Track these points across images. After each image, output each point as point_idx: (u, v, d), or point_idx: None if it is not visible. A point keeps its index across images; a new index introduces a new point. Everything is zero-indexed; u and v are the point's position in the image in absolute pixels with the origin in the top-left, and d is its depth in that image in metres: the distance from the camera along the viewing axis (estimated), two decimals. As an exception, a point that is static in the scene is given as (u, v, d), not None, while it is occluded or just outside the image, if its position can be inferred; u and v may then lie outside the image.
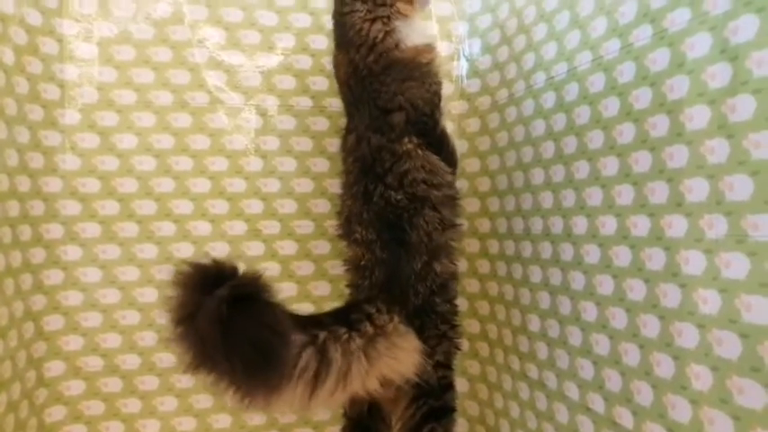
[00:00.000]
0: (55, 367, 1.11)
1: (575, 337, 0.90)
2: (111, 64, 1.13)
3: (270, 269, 1.19)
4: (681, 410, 0.69)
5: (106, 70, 1.13)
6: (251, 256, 1.19)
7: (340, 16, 0.99)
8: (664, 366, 0.72)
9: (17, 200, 1.01)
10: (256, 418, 1.18)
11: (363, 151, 0.94)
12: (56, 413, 1.11)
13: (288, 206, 1.21)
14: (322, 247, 1.22)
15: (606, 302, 0.84)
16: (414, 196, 0.92)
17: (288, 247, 1.21)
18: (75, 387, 1.13)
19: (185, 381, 1.16)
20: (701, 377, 0.67)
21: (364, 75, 0.96)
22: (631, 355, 0.78)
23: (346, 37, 0.97)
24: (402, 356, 0.85)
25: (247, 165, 1.19)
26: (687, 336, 0.69)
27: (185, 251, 1.16)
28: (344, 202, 0.99)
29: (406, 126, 0.94)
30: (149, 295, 1.15)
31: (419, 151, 0.94)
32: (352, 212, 0.96)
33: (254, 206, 1.19)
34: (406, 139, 0.94)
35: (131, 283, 1.14)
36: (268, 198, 1.20)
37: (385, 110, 0.94)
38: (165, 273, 1.15)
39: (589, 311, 0.87)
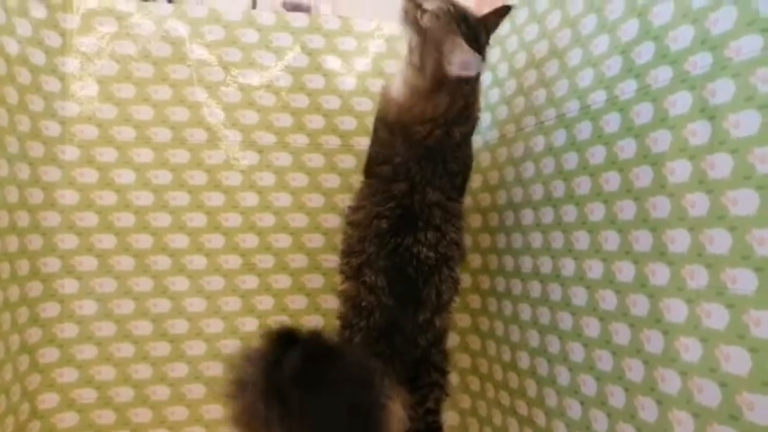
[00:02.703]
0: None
1: (563, 376, 0.93)
2: (111, 101, 1.16)
3: (264, 302, 1.22)
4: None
5: (106, 107, 1.16)
6: (246, 289, 1.21)
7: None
8: (648, 411, 0.75)
9: (16, 235, 1.03)
10: None
11: (414, 202, 0.95)
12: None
13: (282, 240, 1.23)
14: (315, 281, 1.24)
15: (593, 344, 0.86)
16: (443, 256, 0.95)
17: (282, 281, 1.23)
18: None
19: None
20: (683, 423, 0.69)
21: (453, 141, 0.97)
22: (617, 398, 0.80)
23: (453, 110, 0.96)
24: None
25: (243, 200, 1.21)
26: (670, 382, 0.72)
27: (180, 285, 1.18)
28: (359, 242, 0.97)
29: (462, 186, 1.01)
30: (144, 328, 1.16)
31: (462, 212, 0.99)
32: (367, 254, 0.95)
33: (249, 240, 1.22)
34: (460, 200, 1.00)
35: (127, 317, 1.15)
36: (263, 232, 1.22)
37: (453, 172, 0.98)
38: (160, 306, 1.17)
39: (576, 352, 0.90)
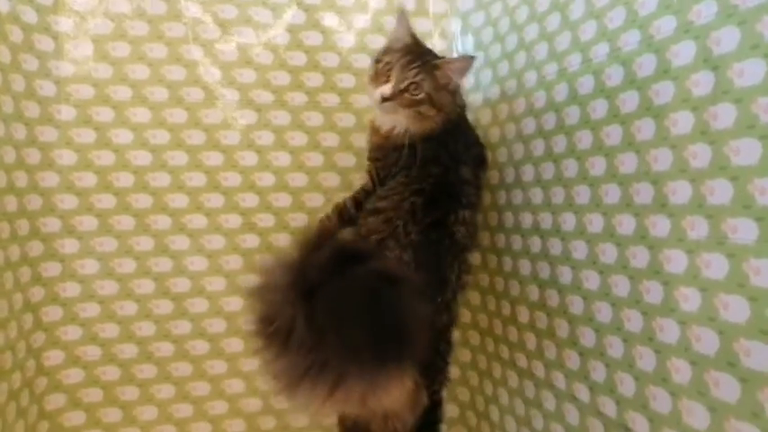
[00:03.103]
0: (54, 356, 1.13)
1: (562, 329, 0.94)
2: (106, 60, 1.14)
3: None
4: (661, 401, 0.73)
5: (101, 67, 1.14)
6: (246, 248, 1.21)
7: None
8: (646, 359, 0.76)
9: (15, 195, 1.03)
10: (252, 404, 1.22)
11: (451, 179, 0.96)
12: (55, 401, 1.14)
13: (282, 199, 1.23)
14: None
15: (592, 297, 0.87)
16: (470, 237, 0.97)
17: (282, 240, 1.23)
18: (74, 375, 1.15)
19: (182, 369, 1.19)
20: (680, 371, 0.70)
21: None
22: (615, 348, 0.82)
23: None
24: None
25: (242, 159, 1.21)
26: (668, 331, 0.73)
27: (181, 244, 1.18)
28: (384, 223, 0.95)
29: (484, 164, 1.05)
30: (146, 287, 1.17)
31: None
32: (396, 230, 0.93)
33: (249, 199, 1.21)
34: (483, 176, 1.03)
35: (128, 276, 1.16)
36: (263, 192, 1.22)
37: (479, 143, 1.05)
38: (161, 265, 1.17)
39: (576, 305, 0.91)
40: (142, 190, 1.16)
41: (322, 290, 0.74)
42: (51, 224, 1.12)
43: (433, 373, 0.94)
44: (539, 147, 1.00)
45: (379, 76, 0.97)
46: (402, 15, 1.01)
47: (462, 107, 1.04)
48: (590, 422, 0.87)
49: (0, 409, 0.94)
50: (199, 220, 1.19)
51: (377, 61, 0.99)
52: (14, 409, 1.00)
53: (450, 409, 1.30)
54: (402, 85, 0.94)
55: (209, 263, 1.19)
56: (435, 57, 0.99)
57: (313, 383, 0.74)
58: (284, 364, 0.76)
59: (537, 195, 1.01)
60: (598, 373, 0.85)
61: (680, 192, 0.72)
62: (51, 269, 1.12)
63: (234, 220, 1.21)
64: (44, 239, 1.11)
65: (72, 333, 1.15)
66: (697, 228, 0.70)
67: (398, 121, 0.98)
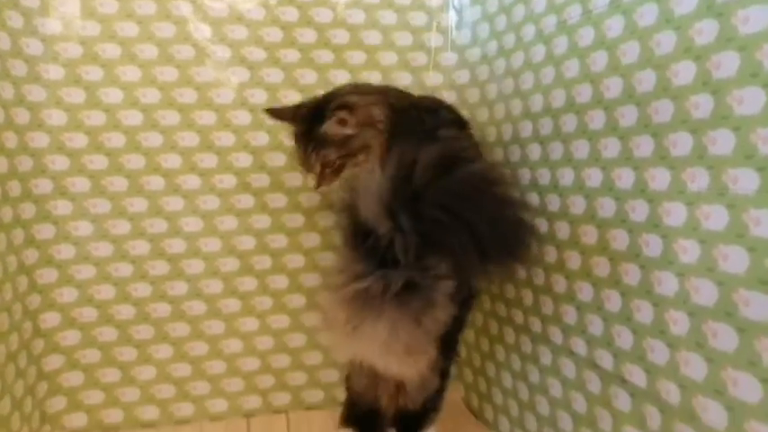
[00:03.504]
0: (50, 318, 1.13)
1: (559, 285, 0.94)
2: (93, 18, 1.11)
3: (260, 221, 1.21)
4: (659, 353, 0.73)
5: (89, 24, 1.11)
6: (241, 208, 1.20)
7: None
8: (643, 312, 0.76)
9: (5, 156, 1.01)
10: (250, 363, 1.23)
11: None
12: (53, 362, 1.14)
13: (277, 159, 1.21)
14: (312, 199, 1.24)
15: (590, 251, 0.87)
16: None
17: (278, 200, 1.23)
18: (71, 337, 1.15)
19: (180, 329, 1.19)
20: (678, 322, 0.71)
21: None
22: (613, 302, 0.82)
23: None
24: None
25: (235, 118, 1.19)
26: (666, 283, 0.73)
27: (175, 204, 1.17)
28: None
29: None
30: (141, 248, 1.16)
31: None
32: None
33: (243, 159, 1.20)
34: None
35: (123, 237, 1.15)
36: (257, 151, 1.20)
37: None
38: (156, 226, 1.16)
39: (573, 260, 0.91)
40: (134, 150, 1.14)
41: (430, 190, 0.74)
42: (43, 185, 1.10)
43: (448, 347, 0.94)
44: (537, 102, 0.99)
45: (307, 172, 1.02)
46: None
47: (402, 99, 1.01)
48: (586, 375, 0.87)
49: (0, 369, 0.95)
50: (193, 181, 1.17)
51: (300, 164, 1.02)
52: (13, 370, 1.00)
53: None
54: (318, 169, 0.97)
55: (203, 223, 1.18)
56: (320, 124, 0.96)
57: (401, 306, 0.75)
58: (371, 282, 0.75)
59: (534, 151, 1.00)
60: (595, 326, 0.85)
61: (680, 143, 0.71)
62: (45, 231, 1.11)
63: (228, 180, 1.19)
64: (36, 201, 1.09)
65: (67, 295, 1.14)
66: (697, 179, 0.69)
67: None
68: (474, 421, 1.23)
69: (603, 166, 0.84)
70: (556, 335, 0.95)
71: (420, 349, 0.80)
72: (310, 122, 0.97)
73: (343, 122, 0.95)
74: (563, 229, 0.93)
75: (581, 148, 0.89)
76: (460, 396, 1.31)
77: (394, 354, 0.78)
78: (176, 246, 1.18)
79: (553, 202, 0.96)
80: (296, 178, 1.22)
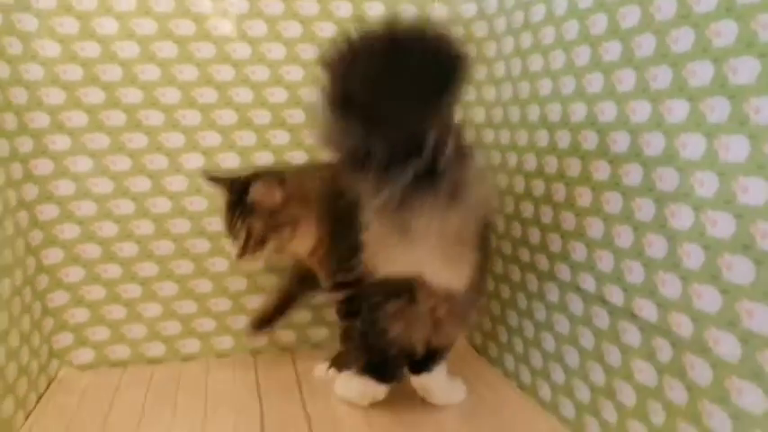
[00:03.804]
0: (53, 254, 1.13)
1: (567, 222, 0.93)
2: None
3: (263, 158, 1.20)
4: (671, 286, 0.73)
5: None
6: (243, 145, 1.18)
7: None
8: (656, 247, 0.75)
9: (-1, 87, 0.98)
10: (254, 301, 1.23)
11: None
12: (58, 298, 1.14)
13: (277, 95, 1.18)
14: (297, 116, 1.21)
15: (601, 187, 0.85)
16: None
17: (280, 137, 1.20)
18: (75, 273, 1.15)
19: (184, 267, 1.19)
20: (692, 256, 0.70)
21: None
22: (624, 237, 0.81)
23: None
24: None
25: (233, 52, 1.15)
26: (680, 217, 0.71)
27: (174, 141, 1.15)
28: None
29: None
30: (142, 185, 1.15)
31: None
32: None
33: (243, 94, 1.17)
34: None
35: (123, 174, 1.14)
36: (256, 86, 1.17)
37: None
38: (156, 162, 1.14)
39: (584, 197, 0.89)
40: (130, 84, 1.11)
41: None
42: (39, 119, 1.08)
43: (483, 272, 0.94)
44: (549, 35, 0.96)
45: (230, 232, 1.02)
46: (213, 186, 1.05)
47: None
48: (594, 311, 0.87)
49: (6, 303, 0.94)
50: (193, 116, 1.15)
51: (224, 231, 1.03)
52: (19, 304, 1.00)
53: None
54: (242, 238, 0.98)
55: (204, 159, 1.17)
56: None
57: None
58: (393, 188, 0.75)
59: (545, 86, 0.97)
60: (605, 262, 0.85)
61: (700, 73, 0.69)
62: (42, 166, 1.09)
63: (228, 117, 1.17)
64: (33, 135, 1.07)
65: (69, 231, 1.13)
66: (717, 110, 0.67)
67: (283, 250, 1.02)
68: (478, 358, 1.24)
69: (618, 99, 0.82)
70: (563, 272, 0.95)
71: (467, 239, 0.84)
72: (242, 192, 0.98)
73: (269, 190, 0.98)
74: (574, 166, 0.92)
75: (594, 82, 0.86)
76: (464, 335, 1.32)
77: (446, 254, 0.83)
78: (177, 183, 1.16)
79: (564, 139, 0.94)
80: (297, 115, 1.20)
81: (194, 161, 1.16)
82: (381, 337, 0.91)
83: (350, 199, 0.84)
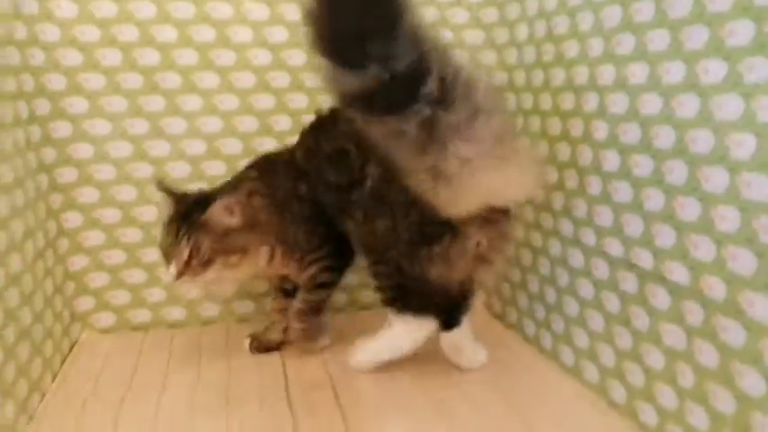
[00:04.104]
0: (73, 218, 1.14)
1: (593, 186, 0.92)
2: None
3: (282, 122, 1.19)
4: (704, 249, 0.72)
5: None
6: (261, 109, 1.17)
7: None
8: (688, 210, 0.74)
9: (16, 47, 0.97)
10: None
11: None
12: (78, 262, 1.15)
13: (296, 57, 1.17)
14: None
15: (629, 150, 0.84)
16: None
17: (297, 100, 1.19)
18: (95, 237, 1.16)
19: (194, 147, 1.17)
20: (726, 218, 0.69)
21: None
22: (655, 201, 0.80)
23: None
24: None
25: (250, 12, 1.14)
26: (716, 179, 0.71)
27: (192, 104, 1.14)
28: None
29: None
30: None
31: None
32: None
33: (262, 56, 1.16)
34: None
35: (142, 137, 1.13)
36: (275, 49, 1.16)
37: None
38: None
39: (611, 161, 0.88)
40: (147, 45, 1.10)
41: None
42: (56, 81, 1.07)
43: None
44: (578, -9, 0.94)
45: (165, 258, 0.94)
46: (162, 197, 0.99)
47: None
48: (621, 275, 0.87)
49: (30, 266, 0.95)
50: (210, 79, 1.14)
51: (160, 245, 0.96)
52: (42, 267, 1.01)
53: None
54: (185, 257, 0.91)
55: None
56: (206, 206, 0.93)
57: None
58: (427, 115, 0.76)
59: (572, 48, 0.96)
60: (634, 227, 0.84)
61: (740, 32, 0.67)
62: (61, 129, 1.09)
63: (246, 79, 1.15)
64: (51, 97, 1.07)
65: (88, 195, 1.13)
66: (755, 70, 0.65)
67: (226, 277, 0.98)
68: (497, 324, 1.25)
69: (650, 60, 0.80)
70: (588, 236, 0.94)
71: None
72: (192, 206, 0.94)
73: (230, 210, 0.94)
74: (601, 129, 0.90)
75: (624, 42, 0.84)
76: (482, 302, 1.33)
77: (525, 163, 0.85)
78: (195, 147, 1.16)
79: (591, 101, 0.92)
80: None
81: (213, 125, 1.15)
82: (425, 283, 0.91)
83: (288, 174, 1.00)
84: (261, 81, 1.16)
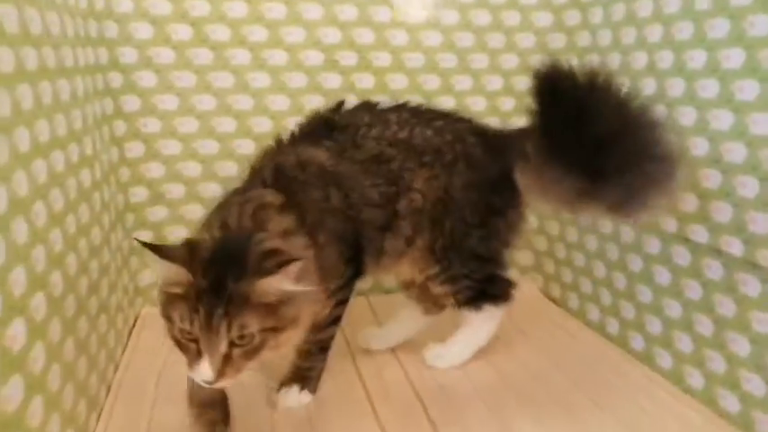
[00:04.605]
0: (139, 193, 1.16)
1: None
2: None
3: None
4: (761, 224, 0.76)
5: None
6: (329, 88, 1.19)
7: None
8: (749, 188, 0.78)
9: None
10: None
11: None
12: (142, 237, 1.15)
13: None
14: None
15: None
16: None
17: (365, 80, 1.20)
18: (159, 213, 1.18)
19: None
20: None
21: None
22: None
23: None
24: None
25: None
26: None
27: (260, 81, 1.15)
28: None
29: None
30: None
31: None
32: None
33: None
34: None
35: (209, 113, 1.16)
36: (345, 26, 1.17)
37: None
38: None
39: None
40: (218, 21, 1.12)
41: None
42: (129, 54, 1.09)
43: None
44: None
45: (185, 350, 0.66)
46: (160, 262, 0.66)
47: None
48: (674, 250, 0.88)
49: (104, 239, 0.97)
50: (279, 56, 1.16)
51: (176, 333, 0.66)
52: (114, 241, 1.03)
53: (524, 257, 1.35)
54: (224, 349, 0.64)
55: (290, 101, 1.17)
56: (245, 273, 0.64)
57: None
58: None
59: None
60: (689, 203, 0.87)
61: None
62: (131, 103, 1.11)
63: (314, 57, 1.17)
64: (123, 71, 1.09)
65: (155, 170, 1.16)
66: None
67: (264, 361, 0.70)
68: (553, 308, 1.26)
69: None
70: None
71: None
72: (220, 271, 0.64)
73: (301, 274, 0.67)
74: (639, 59, 0.96)
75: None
76: (538, 287, 1.33)
77: None
78: (262, 125, 1.18)
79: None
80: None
81: (280, 103, 1.16)
82: (501, 264, 0.96)
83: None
84: (328, 61, 1.18)
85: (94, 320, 0.87)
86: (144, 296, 1.20)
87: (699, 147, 0.84)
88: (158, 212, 1.17)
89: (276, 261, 0.64)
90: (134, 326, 1.13)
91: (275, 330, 0.67)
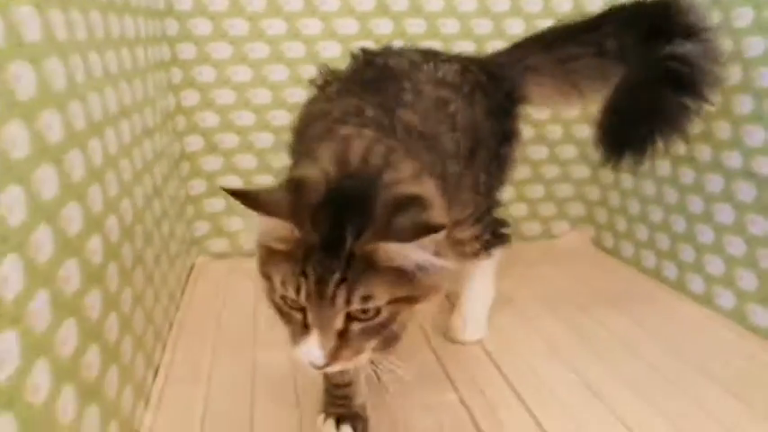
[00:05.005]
0: (194, 142, 1.18)
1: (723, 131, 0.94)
2: None
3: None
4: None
5: None
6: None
7: None
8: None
9: None
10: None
11: None
12: (197, 186, 1.20)
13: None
14: None
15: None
16: None
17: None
18: (213, 162, 1.20)
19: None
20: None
21: None
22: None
23: None
24: None
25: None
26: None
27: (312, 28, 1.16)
28: None
29: None
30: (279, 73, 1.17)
31: None
32: None
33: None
34: None
35: (261, 61, 1.17)
36: None
37: None
38: None
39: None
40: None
41: None
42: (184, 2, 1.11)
43: None
44: None
45: (288, 320, 0.55)
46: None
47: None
48: (735, 186, 0.88)
49: (163, 186, 0.99)
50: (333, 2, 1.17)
51: (277, 299, 0.55)
52: (174, 189, 1.06)
53: (575, 208, 1.35)
54: (339, 325, 0.52)
55: (340, 47, 1.18)
56: (371, 227, 0.51)
57: None
58: None
59: None
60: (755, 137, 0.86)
61: None
62: (187, 51, 1.13)
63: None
64: (178, 18, 1.11)
65: (210, 119, 1.17)
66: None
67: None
68: (608, 258, 1.26)
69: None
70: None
71: None
72: (337, 222, 0.51)
73: (402, 256, 0.51)
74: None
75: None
76: (590, 237, 1.33)
77: None
78: (295, 49, 1.18)
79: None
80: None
81: (331, 49, 1.17)
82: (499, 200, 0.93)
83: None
84: (363, 29, 1.18)
85: (152, 268, 0.86)
86: (199, 245, 1.23)
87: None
88: (212, 162, 1.19)
89: (413, 223, 0.50)
90: (190, 274, 1.16)
91: (409, 301, 0.53)
